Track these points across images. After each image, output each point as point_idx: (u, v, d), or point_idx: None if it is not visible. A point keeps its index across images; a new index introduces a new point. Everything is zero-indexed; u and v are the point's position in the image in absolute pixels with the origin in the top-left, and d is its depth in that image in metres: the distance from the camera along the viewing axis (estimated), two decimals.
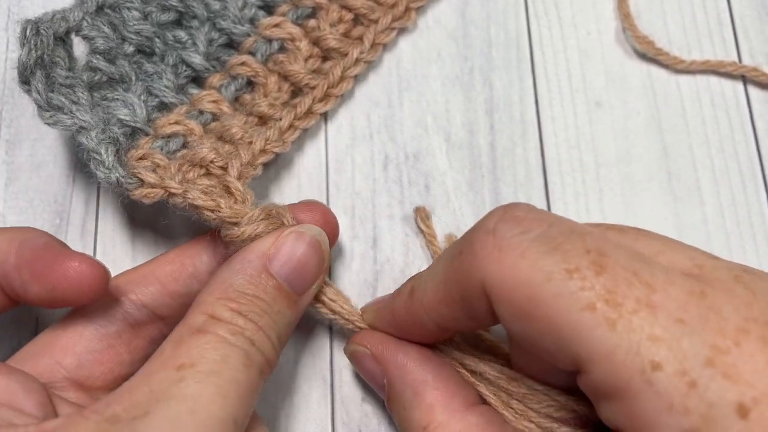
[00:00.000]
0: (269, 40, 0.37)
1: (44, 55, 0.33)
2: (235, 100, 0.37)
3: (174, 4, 0.37)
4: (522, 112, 0.40)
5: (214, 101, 0.36)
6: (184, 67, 0.37)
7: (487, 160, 0.39)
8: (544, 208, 0.38)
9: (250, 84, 0.37)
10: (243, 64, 0.37)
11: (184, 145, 0.35)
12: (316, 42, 0.38)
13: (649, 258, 0.25)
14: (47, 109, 0.33)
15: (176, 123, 0.35)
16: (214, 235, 0.33)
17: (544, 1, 0.42)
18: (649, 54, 0.40)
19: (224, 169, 0.33)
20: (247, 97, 0.37)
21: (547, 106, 0.40)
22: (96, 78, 0.35)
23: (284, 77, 0.37)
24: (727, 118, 0.40)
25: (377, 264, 0.37)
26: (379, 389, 0.32)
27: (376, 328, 0.32)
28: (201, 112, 0.36)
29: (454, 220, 0.38)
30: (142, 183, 0.33)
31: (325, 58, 0.38)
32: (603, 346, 0.23)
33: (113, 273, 0.31)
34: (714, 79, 0.40)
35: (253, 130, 0.35)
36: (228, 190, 0.33)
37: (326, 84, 0.37)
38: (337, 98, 0.38)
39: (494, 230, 0.25)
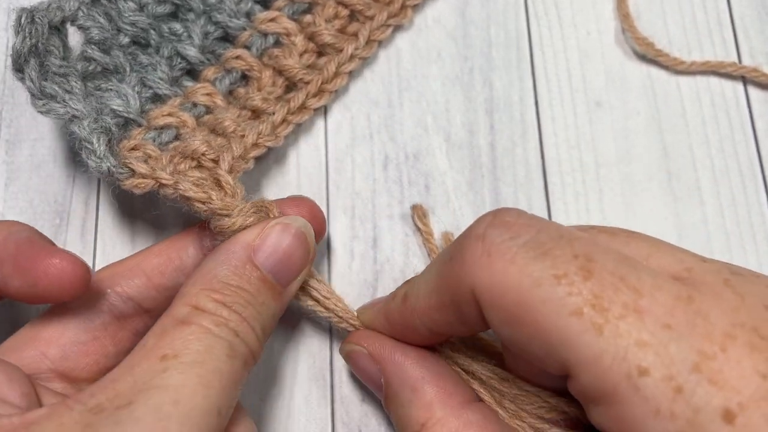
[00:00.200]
0: (265, 35, 0.37)
1: (38, 44, 0.33)
2: (229, 94, 0.37)
3: None
4: (522, 112, 0.39)
5: (208, 94, 0.36)
6: (179, 60, 0.36)
7: (487, 160, 0.39)
8: (544, 208, 0.38)
9: (245, 78, 0.37)
10: (238, 57, 0.37)
11: (177, 137, 0.34)
12: (311, 37, 0.38)
13: (637, 262, 0.25)
14: (40, 97, 0.33)
15: (169, 115, 0.35)
16: (201, 228, 0.33)
17: (544, 1, 0.42)
18: (649, 55, 0.40)
19: (215, 161, 0.33)
20: (242, 90, 0.37)
21: (547, 106, 0.40)
22: (90, 68, 0.35)
23: (279, 72, 0.37)
24: (727, 119, 0.39)
25: (377, 264, 0.37)
26: (375, 388, 0.32)
27: (371, 329, 0.32)
28: (195, 105, 0.36)
29: (454, 220, 0.37)
30: (133, 173, 0.32)
31: (320, 54, 0.38)
32: (590, 351, 0.23)
33: None
34: (714, 80, 0.40)
35: (246, 123, 0.35)
36: (218, 184, 0.33)
37: (320, 79, 0.37)
38: (331, 94, 0.38)
39: (484, 236, 0.25)
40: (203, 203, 0.32)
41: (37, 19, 0.33)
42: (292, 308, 0.35)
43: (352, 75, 0.40)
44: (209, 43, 0.37)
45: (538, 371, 0.29)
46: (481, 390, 0.30)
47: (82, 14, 0.35)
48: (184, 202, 0.32)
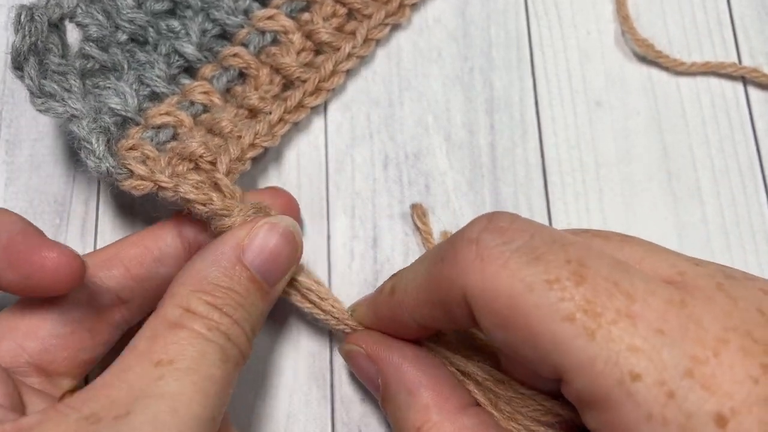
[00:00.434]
0: (262, 32, 0.37)
1: (38, 42, 0.33)
2: (227, 92, 0.36)
3: None
4: (522, 112, 0.39)
5: (205, 92, 0.36)
6: (177, 57, 0.36)
7: (487, 160, 0.38)
8: (544, 208, 0.38)
9: (242, 76, 0.37)
10: (235, 55, 0.36)
11: (174, 137, 0.34)
12: (308, 35, 0.38)
13: (631, 267, 0.24)
14: (39, 95, 0.33)
15: (167, 114, 0.35)
16: (179, 218, 0.33)
17: (544, 1, 0.41)
18: (649, 56, 0.40)
19: (213, 164, 0.33)
20: (239, 89, 0.37)
21: (547, 106, 0.39)
22: (88, 65, 0.35)
23: (276, 70, 0.37)
24: (727, 118, 0.39)
25: (377, 264, 0.37)
26: (373, 389, 0.32)
27: (362, 325, 0.32)
28: (192, 103, 0.35)
29: (454, 220, 0.37)
30: (132, 174, 0.32)
31: (317, 52, 0.38)
32: (582, 356, 0.23)
33: None
34: (714, 80, 0.40)
35: (242, 123, 0.35)
36: (217, 187, 0.33)
37: (317, 78, 0.37)
38: (328, 92, 0.38)
39: (477, 240, 0.25)
40: (204, 205, 0.32)
41: (36, 17, 0.33)
42: (292, 308, 0.35)
43: (351, 74, 0.39)
44: (207, 41, 0.37)
45: (534, 373, 0.28)
46: (477, 392, 0.30)
47: (80, 11, 0.35)
48: (184, 203, 0.32)
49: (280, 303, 0.35)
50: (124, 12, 0.36)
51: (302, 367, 0.35)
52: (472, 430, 0.29)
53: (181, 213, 0.33)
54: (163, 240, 0.32)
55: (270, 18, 0.37)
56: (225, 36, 0.37)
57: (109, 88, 0.34)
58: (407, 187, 0.38)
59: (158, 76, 0.35)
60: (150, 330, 0.27)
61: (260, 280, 0.30)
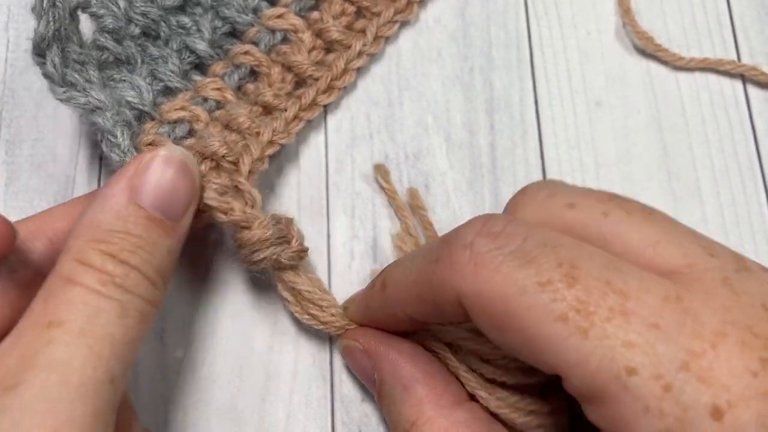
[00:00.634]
0: (272, 31, 0.37)
1: (61, 28, 0.32)
2: (238, 89, 0.36)
3: None
4: (522, 112, 0.39)
5: (218, 89, 0.35)
6: (188, 53, 0.36)
7: (487, 160, 0.38)
8: None
9: (253, 74, 0.37)
10: (246, 53, 0.36)
11: (190, 132, 0.34)
12: (318, 34, 0.37)
13: (624, 265, 0.24)
14: (61, 84, 0.32)
15: (182, 109, 0.34)
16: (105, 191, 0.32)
17: (544, 1, 0.41)
18: (649, 50, 0.40)
19: (235, 164, 0.33)
20: (250, 86, 0.36)
21: (547, 106, 0.39)
22: (103, 57, 0.34)
23: (287, 68, 0.37)
24: (726, 118, 0.39)
25: (377, 264, 0.36)
26: (369, 384, 0.32)
27: (355, 321, 0.32)
28: (205, 99, 0.35)
29: (454, 220, 0.37)
30: None
31: (327, 50, 0.38)
32: (577, 355, 0.23)
33: None
34: (713, 78, 0.40)
35: (259, 120, 0.35)
36: (237, 191, 0.33)
37: (329, 76, 0.37)
38: (340, 90, 0.38)
39: (471, 244, 0.25)
40: (225, 213, 0.31)
41: (58, 3, 0.32)
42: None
43: (358, 72, 0.39)
44: (217, 38, 0.36)
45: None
46: (476, 386, 0.30)
47: (95, 1, 0.35)
48: (204, 208, 0.32)
49: (278, 304, 0.35)
50: (137, 5, 0.35)
51: (302, 367, 0.35)
52: (466, 424, 0.29)
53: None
54: None
55: (279, 16, 0.37)
56: (234, 34, 0.37)
57: (124, 81, 0.34)
58: (407, 187, 0.38)
59: (172, 71, 0.35)
60: (45, 289, 0.26)
61: (159, 217, 0.28)
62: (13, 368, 0.24)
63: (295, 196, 0.37)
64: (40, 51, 0.32)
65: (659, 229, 0.26)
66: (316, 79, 0.37)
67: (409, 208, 0.37)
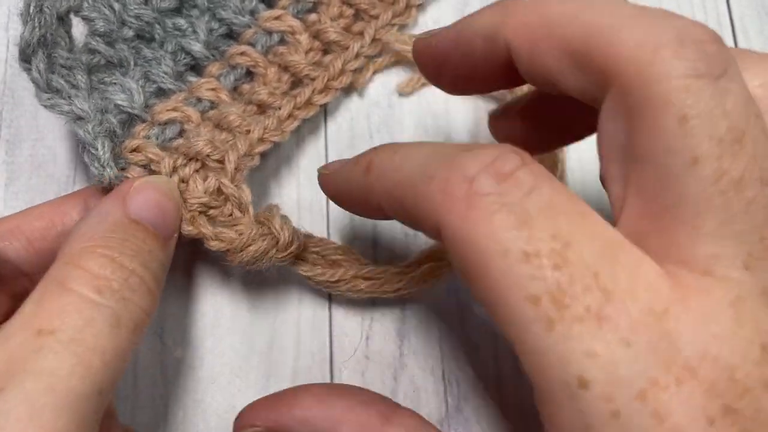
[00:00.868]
0: (269, 33, 0.36)
1: (47, 34, 0.32)
2: (234, 90, 0.36)
3: None
4: None
5: (212, 89, 0.35)
6: (183, 55, 0.35)
7: None
8: None
9: (250, 75, 0.36)
10: (243, 54, 0.36)
11: (181, 133, 0.34)
12: (316, 35, 0.37)
13: (623, 253, 0.21)
14: (46, 90, 0.32)
15: (174, 110, 0.34)
16: (84, 193, 0.32)
17: None
18: None
19: (221, 162, 0.33)
20: (246, 87, 0.36)
21: None
22: (94, 61, 0.34)
23: (284, 68, 0.36)
24: None
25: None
26: None
27: (329, 188, 0.30)
28: (199, 100, 0.35)
29: None
30: None
31: (325, 52, 0.38)
32: (534, 344, 0.20)
33: None
34: None
35: (251, 118, 0.34)
36: (222, 193, 0.32)
37: (327, 76, 0.37)
38: (337, 91, 0.37)
39: (472, 180, 0.22)
40: (220, 241, 0.31)
41: (45, 8, 0.32)
42: (291, 308, 0.35)
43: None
44: (213, 40, 0.36)
45: None
46: None
47: (87, 4, 0.34)
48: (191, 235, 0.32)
49: (279, 303, 0.35)
50: (131, 7, 0.35)
51: (302, 367, 0.34)
52: None
53: (87, 188, 0.32)
54: (68, 215, 0.31)
55: (277, 18, 0.37)
56: (231, 36, 0.37)
57: (115, 84, 0.34)
58: None
59: (165, 72, 0.35)
60: (39, 292, 0.26)
61: (154, 231, 0.29)
62: (0, 371, 0.24)
63: (295, 196, 0.37)
64: (25, 57, 0.32)
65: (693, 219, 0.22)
66: (313, 79, 0.36)
67: None
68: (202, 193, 0.32)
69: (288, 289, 0.36)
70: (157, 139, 0.33)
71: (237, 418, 0.31)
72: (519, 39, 0.24)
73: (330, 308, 0.35)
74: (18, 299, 0.29)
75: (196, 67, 0.36)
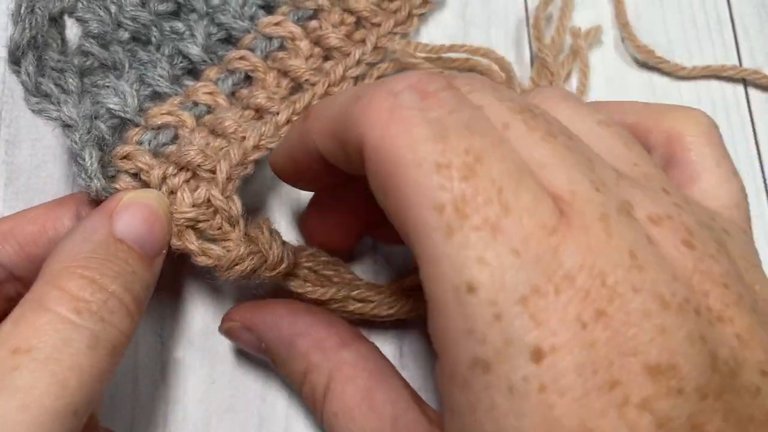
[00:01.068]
0: (269, 38, 0.36)
1: (38, 36, 0.31)
2: (232, 95, 0.35)
3: None
4: None
5: (210, 93, 0.34)
6: (180, 59, 0.35)
7: None
8: None
9: (248, 80, 0.35)
10: (242, 58, 0.35)
11: (175, 138, 0.33)
12: (317, 41, 0.36)
13: (531, 176, 0.22)
14: (35, 94, 0.31)
15: (168, 114, 0.33)
16: (76, 198, 0.32)
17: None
18: (651, 63, 0.39)
19: (213, 172, 0.32)
20: (245, 92, 0.35)
21: None
22: (87, 63, 0.33)
23: (284, 73, 0.35)
24: (726, 118, 0.39)
25: (377, 265, 0.36)
26: (262, 355, 0.32)
27: (275, 158, 0.31)
28: (195, 104, 0.34)
29: None
30: None
31: (326, 58, 0.37)
32: (433, 252, 0.21)
33: None
34: (714, 81, 0.39)
35: (247, 124, 0.33)
36: (211, 204, 0.31)
37: (327, 82, 0.36)
38: None
39: (397, 94, 0.23)
40: (197, 256, 0.31)
41: (37, 9, 0.31)
42: None
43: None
44: (212, 44, 0.35)
45: None
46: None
47: (81, 6, 0.34)
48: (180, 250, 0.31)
49: None
50: (128, 9, 0.34)
51: None
52: (352, 363, 0.29)
53: (81, 192, 0.32)
54: (60, 220, 0.31)
55: (277, 24, 0.36)
56: (230, 41, 0.36)
57: (108, 87, 0.33)
58: None
59: (161, 75, 0.34)
60: (18, 311, 0.26)
61: (139, 251, 0.28)
62: None
63: (296, 196, 0.37)
64: (14, 59, 0.31)
65: (551, 152, 0.24)
66: (313, 84, 0.36)
67: None
68: (190, 206, 0.31)
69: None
70: (150, 144, 0.32)
71: (225, 315, 0.32)
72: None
73: None
74: (11, 302, 0.29)
75: (194, 72, 0.35)
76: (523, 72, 0.40)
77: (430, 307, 0.22)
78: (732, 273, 0.23)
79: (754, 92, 0.39)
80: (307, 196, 0.36)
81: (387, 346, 0.35)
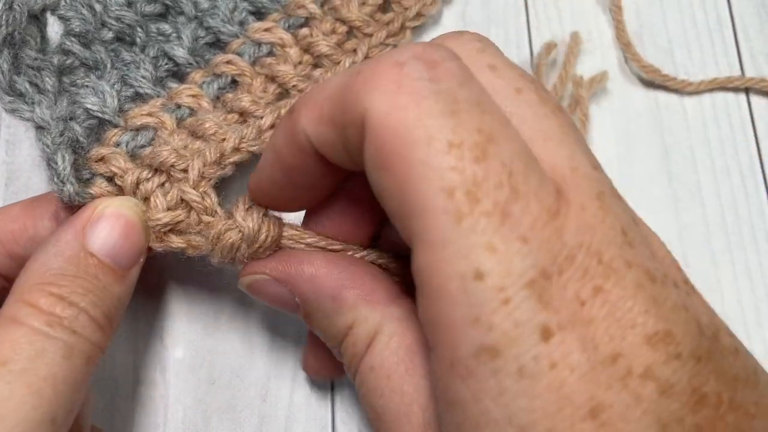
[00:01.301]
0: (258, 44, 0.35)
1: (15, 33, 0.31)
2: (217, 99, 0.34)
3: None
4: None
5: (193, 95, 0.33)
6: (165, 60, 0.34)
7: None
8: None
9: (235, 85, 0.34)
10: (229, 62, 0.34)
11: (153, 141, 0.32)
12: (307, 48, 0.35)
13: (536, 161, 0.22)
14: (8, 92, 0.31)
15: (149, 115, 0.32)
16: (54, 197, 0.31)
17: (545, 2, 0.41)
18: (657, 81, 0.39)
19: (186, 171, 0.31)
20: (230, 95, 0.34)
21: None
22: (67, 62, 0.33)
23: (271, 79, 0.35)
24: (727, 118, 0.39)
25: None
26: (291, 310, 0.29)
27: (257, 188, 0.29)
28: (178, 107, 0.33)
29: None
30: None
31: (315, 66, 0.36)
32: (439, 236, 0.21)
33: None
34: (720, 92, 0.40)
35: (229, 127, 0.32)
36: (185, 203, 0.31)
37: None
38: None
39: (403, 64, 0.22)
40: (186, 251, 0.30)
41: (16, 6, 0.31)
42: None
43: None
44: (199, 47, 0.35)
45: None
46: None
47: (64, 3, 0.33)
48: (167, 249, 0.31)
49: None
50: (113, 9, 0.34)
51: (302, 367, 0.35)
52: (399, 319, 0.27)
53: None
54: (41, 219, 0.31)
55: (267, 30, 0.35)
56: (218, 45, 0.35)
57: (87, 86, 0.32)
58: None
59: (143, 77, 0.33)
60: None
61: (111, 265, 0.28)
62: None
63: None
64: None
65: (558, 128, 0.24)
66: (300, 90, 0.34)
67: None
68: (164, 210, 0.31)
69: None
70: (127, 146, 0.32)
71: (244, 267, 0.30)
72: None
73: None
74: None
75: (179, 75, 0.35)
76: None
77: (427, 296, 0.21)
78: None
79: (755, 98, 0.39)
80: None
81: None
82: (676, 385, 0.21)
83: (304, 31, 0.36)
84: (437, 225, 0.21)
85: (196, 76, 0.34)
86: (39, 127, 0.31)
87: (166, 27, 0.35)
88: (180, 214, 0.30)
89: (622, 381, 0.21)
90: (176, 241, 0.30)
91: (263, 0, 0.36)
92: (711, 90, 0.39)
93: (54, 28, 0.34)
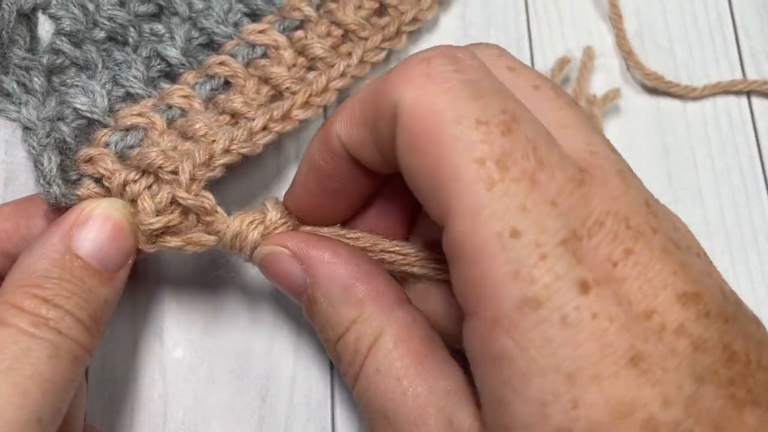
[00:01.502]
0: (252, 45, 0.34)
1: (3, 32, 0.30)
2: (209, 101, 0.34)
3: None
4: None
5: (185, 96, 0.33)
6: (158, 61, 0.34)
7: None
8: None
9: (227, 85, 0.34)
10: (222, 63, 0.34)
11: (142, 142, 0.32)
12: (301, 51, 0.35)
13: (555, 141, 0.24)
14: None
15: (139, 115, 0.32)
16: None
17: (545, 2, 0.41)
18: (660, 88, 0.39)
19: (175, 173, 0.30)
20: (222, 97, 0.33)
21: None
22: (58, 61, 0.32)
23: (264, 81, 0.34)
24: (728, 118, 0.39)
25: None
26: (293, 292, 0.30)
27: (291, 201, 0.30)
28: (169, 107, 0.33)
29: None
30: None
31: (309, 69, 0.36)
32: (473, 202, 0.23)
33: None
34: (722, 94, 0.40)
35: (220, 128, 0.32)
36: (178, 205, 0.30)
37: (309, 91, 0.34)
38: (318, 108, 0.35)
39: (429, 60, 0.25)
40: (186, 248, 0.30)
41: (5, 5, 0.30)
42: (291, 309, 0.35)
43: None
44: (192, 48, 0.34)
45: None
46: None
47: (55, 2, 0.33)
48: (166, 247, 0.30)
49: (279, 303, 0.35)
50: (105, 8, 0.33)
51: (302, 367, 0.34)
52: (404, 324, 0.28)
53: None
54: (33, 219, 0.31)
55: (261, 32, 0.35)
56: (211, 46, 0.35)
57: (77, 86, 0.32)
58: None
59: (135, 77, 0.33)
60: None
61: (97, 267, 0.28)
62: None
63: None
64: None
65: (575, 118, 0.26)
66: (294, 93, 0.34)
67: None
68: (154, 214, 0.30)
69: None
70: (116, 146, 0.31)
71: (268, 238, 0.30)
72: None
73: None
74: None
75: (172, 75, 0.34)
76: None
77: (465, 261, 0.23)
78: None
79: (756, 99, 0.39)
80: None
81: None
82: (708, 341, 0.22)
83: (299, 33, 0.36)
84: (471, 192, 0.23)
85: (189, 77, 0.34)
86: (25, 128, 0.30)
87: (159, 27, 0.34)
88: (173, 218, 0.30)
89: (658, 335, 0.22)
90: (173, 241, 0.30)
91: (258, 2, 0.36)
92: (714, 95, 0.39)
93: (45, 27, 0.34)
